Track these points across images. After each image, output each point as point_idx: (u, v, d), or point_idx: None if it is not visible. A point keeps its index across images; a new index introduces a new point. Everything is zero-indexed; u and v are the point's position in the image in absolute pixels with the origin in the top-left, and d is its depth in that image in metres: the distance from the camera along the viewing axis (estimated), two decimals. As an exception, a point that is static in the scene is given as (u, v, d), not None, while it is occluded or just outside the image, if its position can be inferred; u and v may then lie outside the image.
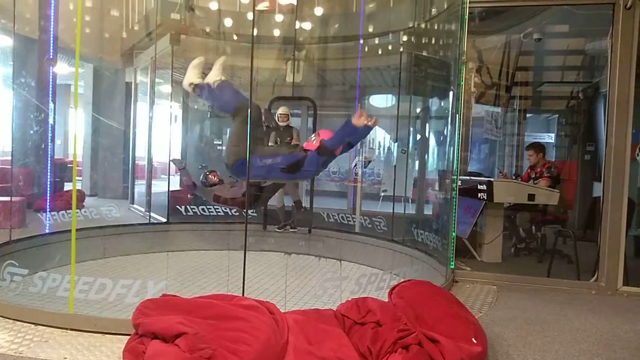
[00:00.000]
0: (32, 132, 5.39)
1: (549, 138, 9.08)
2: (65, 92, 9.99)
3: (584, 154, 7.34)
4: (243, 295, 3.27)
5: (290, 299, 3.92)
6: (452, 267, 4.63)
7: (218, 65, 3.62)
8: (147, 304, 2.72)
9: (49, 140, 5.45)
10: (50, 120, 5.45)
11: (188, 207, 6.10)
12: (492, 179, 5.32)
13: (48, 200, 5.23)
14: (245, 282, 3.41)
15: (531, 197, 5.18)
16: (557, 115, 8.77)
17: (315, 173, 3.71)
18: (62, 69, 8.03)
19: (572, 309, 3.88)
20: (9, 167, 5.22)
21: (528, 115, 8.56)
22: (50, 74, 5.60)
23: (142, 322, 2.51)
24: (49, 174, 5.35)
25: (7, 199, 5.18)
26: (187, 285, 4.24)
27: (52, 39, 5.23)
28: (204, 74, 3.63)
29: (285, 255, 5.49)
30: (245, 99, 3.60)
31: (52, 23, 5.08)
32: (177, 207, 6.10)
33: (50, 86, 5.51)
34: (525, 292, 4.28)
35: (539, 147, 5.84)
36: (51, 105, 5.41)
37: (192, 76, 3.61)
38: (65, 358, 2.61)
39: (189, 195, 7.53)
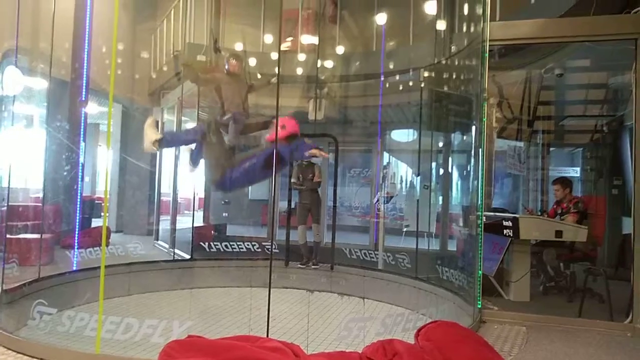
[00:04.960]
0: (64, 173, 5.55)
1: (574, 172, 8.94)
2: (94, 131, 10.30)
3: (612, 189, 7.19)
4: (267, 335, 3.26)
5: (314, 340, 3.87)
6: (480, 306, 4.52)
7: (148, 127, 3.97)
8: (173, 345, 2.73)
9: (79, 179, 5.61)
10: (81, 160, 5.62)
11: (211, 243, 6.16)
12: (517, 215, 5.24)
13: (76, 238, 5.34)
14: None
15: (558, 233, 5.07)
16: (582, 149, 8.66)
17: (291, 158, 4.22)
18: (91, 108, 8.32)
19: (608, 352, 3.73)
20: (40, 204, 5.37)
21: (551, 149, 8.47)
22: (82, 114, 5.83)
23: (168, 364, 2.51)
24: (78, 211, 5.48)
25: (37, 236, 5.30)
26: (211, 324, 4.24)
27: (84, 82, 5.47)
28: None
29: (307, 292, 5.44)
30: (200, 126, 4.25)
31: (84, 66, 5.34)
32: (201, 243, 6.16)
33: (82, 126, 5.73)
34: (556, 334, 4.14)
35: (565, 182, 5.71)
36: (82, 144, 5.59)
37: (152, 134, 3.95)
38: (91, 400, 2.62)
39: (212, 232, 7.62)
